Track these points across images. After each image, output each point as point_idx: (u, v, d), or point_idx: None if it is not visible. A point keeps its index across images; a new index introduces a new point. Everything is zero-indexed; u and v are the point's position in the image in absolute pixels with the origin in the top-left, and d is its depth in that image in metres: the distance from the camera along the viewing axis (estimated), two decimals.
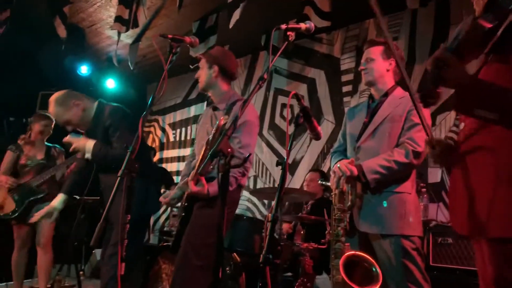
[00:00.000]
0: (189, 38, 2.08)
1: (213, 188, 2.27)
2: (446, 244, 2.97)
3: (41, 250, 3.96)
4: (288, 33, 1.80)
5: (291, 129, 1.89)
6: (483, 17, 1.35)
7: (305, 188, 4.16)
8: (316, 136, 1.82)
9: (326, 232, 3.32)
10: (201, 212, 2.38)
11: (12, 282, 4.11)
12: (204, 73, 2.63)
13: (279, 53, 1.64)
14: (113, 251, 2.60)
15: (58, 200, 2.95)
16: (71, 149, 2.77)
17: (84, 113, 2.84)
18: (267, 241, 1.37)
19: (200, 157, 2.24)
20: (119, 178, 1.62)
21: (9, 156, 4.09)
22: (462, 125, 1.50)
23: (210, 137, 2.11)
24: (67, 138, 2.76)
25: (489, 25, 1.31)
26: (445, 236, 2.98)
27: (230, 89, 2.70)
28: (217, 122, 1.80)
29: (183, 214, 2.41)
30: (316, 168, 4.78)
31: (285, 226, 4.01)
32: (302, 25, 1.85)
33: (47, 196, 3.93)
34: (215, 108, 2.63)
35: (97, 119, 2.81)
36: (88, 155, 2.68)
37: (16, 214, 3.89)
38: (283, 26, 1.78)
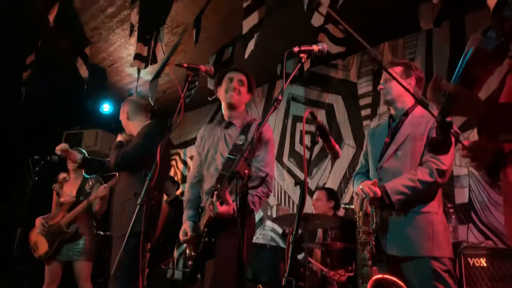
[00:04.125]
0: (204, 66, 2.12)
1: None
2: (480, 266, 2.83)
3: None
4: (301, 55, 1.81)
5: (311, 151, 1.86)
6: (484, 41, 1.30)
7: (313, 210, 4.06)
8: (335, 155, 1.80)
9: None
10: (226, 243, 2.24)
11: None
12: (244, 95, 2.55)
13: (293, 73, 1.65)
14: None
15: None
16: None
17: (128, 122, 3.15)
18: (289, 264, 1.33)
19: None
20: (138, 206, 1.61)
21: (54, 195, 4.23)
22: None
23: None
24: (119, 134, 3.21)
25: (490, 48, 1.28)
26: (478, 258, 2.85)
27: (245, 110, 2.65)
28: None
29: (206, 239, 2.27)
30: (322, 187, 4.70)
31: None
32: (315, 47, 1.86)
33: (76, 234, 3.96)
34: (229, 125, 2.52)
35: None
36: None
37: (48, 255, 3.93)
38: (296, 49, 1.80)
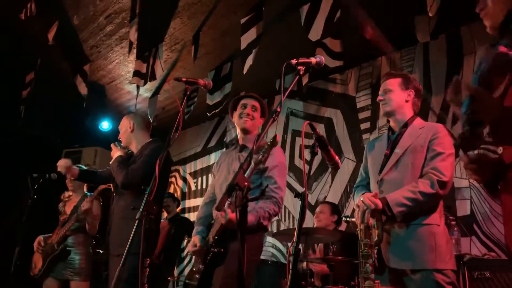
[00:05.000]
0: (203, 80, 2.13)
1: (249, 217, 2.22)
2: (484, 278, 2.79)
3: None
4: (299, 67, 1.82)
5: (310, 163, 1.85)
6: (504, 44, 1.33)
7: (315, 222, 4.04)
8: (335, 165, 1.79)
9: None
10: (235, 257, 2.28)
11: None
12: (258, 120, 2.76)
13: (292, 85, 1.66)
14: None
15: None
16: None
17: (130, 135, 3.14)
18: (290, 276, 1.31)
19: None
20: (137, 220, 1.60)
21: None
22: (500, 149, 1.43)
23: None
24: (113, 144, 3.15)
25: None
26: (481, 270, 2.81)
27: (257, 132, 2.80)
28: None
29: (215, 249, 2.34)
30: (325, 201, 4.68)
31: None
32: (313, 59, 1.87)
33: (66, 252, 3.90)
34: (243, 148, 2.67)
35: (141, 150, 3.05)
36: (110, 162, 3.02)
37: (40, 273, 3.89)
38: (294, 61, 1.81)
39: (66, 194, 4.20)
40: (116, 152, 3.08)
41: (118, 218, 2.93)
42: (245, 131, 2.72)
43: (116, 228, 2.88)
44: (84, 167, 3.95)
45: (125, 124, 3.21)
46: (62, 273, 3.89)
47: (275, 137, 1.73)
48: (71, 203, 4.16)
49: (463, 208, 3.77)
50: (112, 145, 3.16)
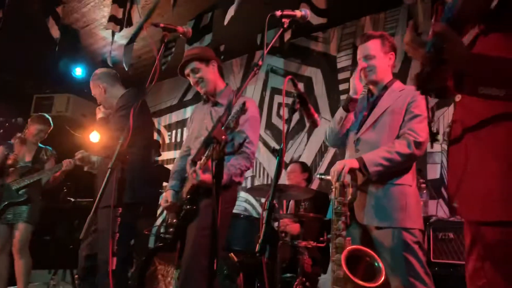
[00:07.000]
0: (182, 28, 2.03)
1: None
2: (447, 239, 2.91)
3: (16, 255, 3.87)
4: (283, 20, 1.76)
5: (289, 120, 1.82)
6: None
7: (287, 181, 4.10)
8: (314, 123, 1.77)
9: None
10: (208, 211, 2.29)
11: None
12: (208, 72, 2.56)
13: (275, 37, 1.60)
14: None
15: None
16: None
17: (106, 95, 3.03)
18: (263, 230, 1.32)
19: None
20: (109, 169, 1.56)
21: None
22: (458, 97, 1.36)
23: None
24: (97, 108, 3.10)
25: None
26: (446, 231, 2.92)
27: (228, 85, 2.72)
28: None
29: (188, 207, 2.34)
30: (296, 160, 4.73)
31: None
32: (298, 12, 1.81)
33: (25, 200, 3.87)
34: (216, 104, 2.60)
35: (116, 105, 2.94)
36: None
37: None
38: (278, 13, 1.74)
39: (19, 135, 4.05)
40: (98, 115, 3.05)
41: (101, 170, 2.95)
42: (208, 95, 2.62)
43: (100, 180, 2.87)
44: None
45: (97, 91, 3.11)
46: (10, 218, 3.87)
47: (244, 103, 1.66)
48: (23, 150, 4.05)
49: (433, 172, 3.87)
50: (96, 110, 3.10)
